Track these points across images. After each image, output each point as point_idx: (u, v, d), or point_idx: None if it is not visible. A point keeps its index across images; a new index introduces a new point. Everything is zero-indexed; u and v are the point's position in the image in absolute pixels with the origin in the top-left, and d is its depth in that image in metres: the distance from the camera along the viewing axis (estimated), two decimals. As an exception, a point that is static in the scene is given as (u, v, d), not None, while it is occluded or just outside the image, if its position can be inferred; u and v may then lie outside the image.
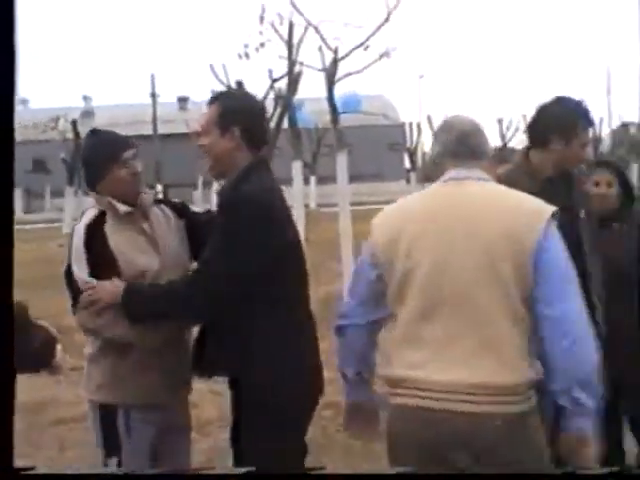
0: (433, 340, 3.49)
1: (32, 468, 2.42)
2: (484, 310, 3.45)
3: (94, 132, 4.63)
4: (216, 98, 4.37)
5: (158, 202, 4.81)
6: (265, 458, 3.97)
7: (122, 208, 4.45)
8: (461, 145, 3.75)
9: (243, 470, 3.85)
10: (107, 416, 4.53)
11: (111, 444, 4.48)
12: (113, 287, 4.15)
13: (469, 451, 3.43)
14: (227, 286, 4.02)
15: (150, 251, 4.44)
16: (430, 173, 4.10)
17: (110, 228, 4.44)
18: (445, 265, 3.50)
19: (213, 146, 4.21)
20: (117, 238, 4.44)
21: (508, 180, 4.10)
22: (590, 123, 4.98)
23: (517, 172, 4.86)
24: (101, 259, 4.18)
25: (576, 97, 5.22)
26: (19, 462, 2.34)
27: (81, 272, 4.19)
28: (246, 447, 4.23)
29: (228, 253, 4.01)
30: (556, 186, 4.70)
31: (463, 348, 3.45)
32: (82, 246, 4.34)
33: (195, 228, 4.77)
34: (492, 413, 3.43)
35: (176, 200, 5.07)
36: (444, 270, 3.51)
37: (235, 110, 4.21)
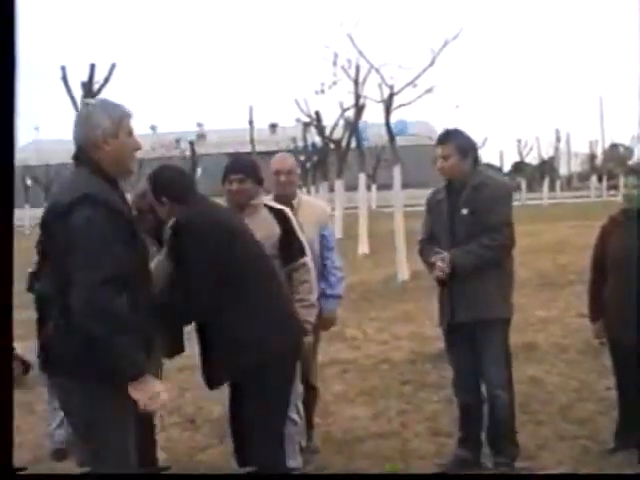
0: None
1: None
2: None
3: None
4: (151, 175, 5.00)
5: (265, 206, 5.65)
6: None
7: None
8: None
9: (244, 470, 4.74)
10: None
11: None
12: None
13: None
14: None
15: None
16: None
17: None
18: None
19: (158, 210, 4.93)
20: None
21: None
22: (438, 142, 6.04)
23: None
24: None
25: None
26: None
27: None
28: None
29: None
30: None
31: None
32: None
33: (288, 233, 5.59)
34: None
35: (279, 207, 5.73)
36: None
37: (161, 187, 4.87)
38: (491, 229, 5.76)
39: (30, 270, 6.15)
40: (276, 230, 5.53)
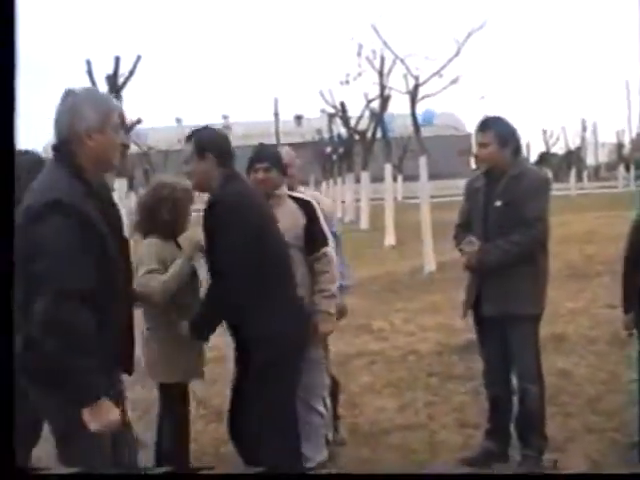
0: None
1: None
2: None
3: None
4: (191, 135, 4.93)
5: (290, 197, 5.71)
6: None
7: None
8: None
9: (243, 470, 4.71)
10: None
11: None
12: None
13: None
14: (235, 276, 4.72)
15: None
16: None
17: None
18: None
19: (194, 170, 4.85)
20: None
21: None
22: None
23: None
24: None
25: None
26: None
27: None
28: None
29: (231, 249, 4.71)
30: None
31: None
32: None
33: (313, 223, 5.63)
34: None
35: (305, 198, 5.81)
36: None
37: (207, 141, 4.82)
38: (524, 224, 5.62)
39: None
40: (301, 221, 5.57)
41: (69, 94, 3.76)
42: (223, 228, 4.69)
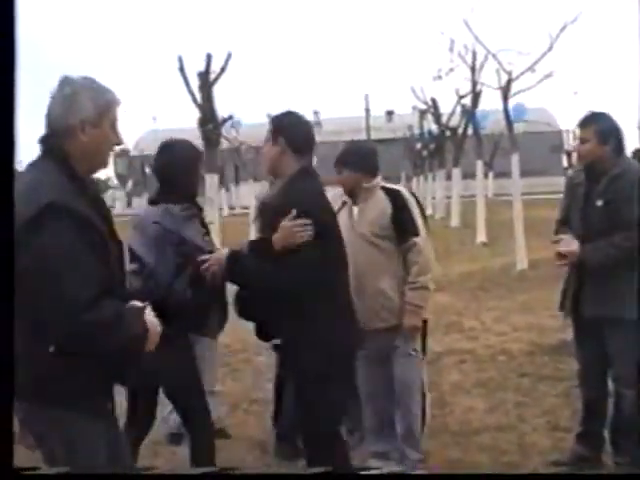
0: None
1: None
2: None
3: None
4: (272, 120, 4.75)
5: (383, 188, 5.73)
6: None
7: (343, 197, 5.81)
8: None
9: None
10: None
11: None
12: (218, 254, 4.62)
13: None
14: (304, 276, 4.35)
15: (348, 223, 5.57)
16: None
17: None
18: None
19: (266, 153, 4.66)
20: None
21: None
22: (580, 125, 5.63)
23: None
24: None
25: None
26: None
27: None
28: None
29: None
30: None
31: None
32: None
33: (401, 212, 5.59)
34: None
35: (396, 187, 5.87)
36: None
37: (281, 125, 4.63)
38: (626, 226, 5.28)
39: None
40: (387, 210, 5.56)
41: (66, 82, 3.42)
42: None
